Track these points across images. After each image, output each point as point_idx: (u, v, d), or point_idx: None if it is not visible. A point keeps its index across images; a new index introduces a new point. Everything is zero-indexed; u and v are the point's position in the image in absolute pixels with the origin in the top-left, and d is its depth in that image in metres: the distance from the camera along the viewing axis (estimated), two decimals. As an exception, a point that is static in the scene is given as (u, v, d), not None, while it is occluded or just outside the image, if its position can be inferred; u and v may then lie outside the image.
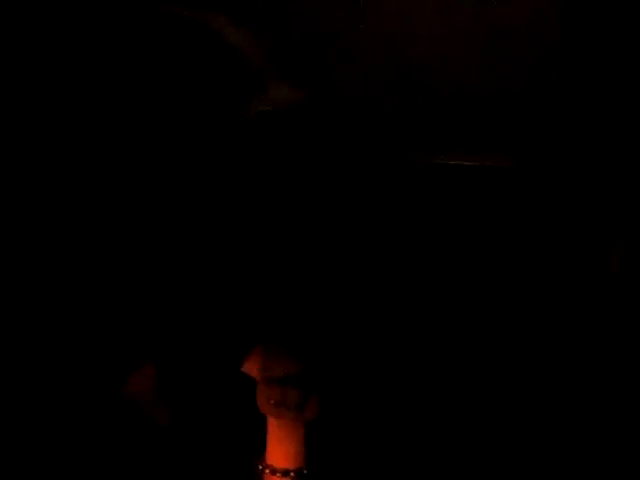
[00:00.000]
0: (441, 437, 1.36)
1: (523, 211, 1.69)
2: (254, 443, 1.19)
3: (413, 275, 1.53)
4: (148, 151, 1.12)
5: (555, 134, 1.79)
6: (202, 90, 1.13)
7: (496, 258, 1.63)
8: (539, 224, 1.67)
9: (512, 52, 1.82)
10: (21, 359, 1.27)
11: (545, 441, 1.39)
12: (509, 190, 1.72)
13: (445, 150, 1.77)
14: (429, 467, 1.33)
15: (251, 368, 1.12)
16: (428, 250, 1.57)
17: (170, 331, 1.18)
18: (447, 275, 1.58)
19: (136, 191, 1.13)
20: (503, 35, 1.83)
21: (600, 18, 1.76)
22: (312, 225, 1.30)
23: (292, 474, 1.11)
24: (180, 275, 1.14)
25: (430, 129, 1.80)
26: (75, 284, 1.25)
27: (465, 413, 1.38)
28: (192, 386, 1.25)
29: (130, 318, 1.19)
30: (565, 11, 1.80)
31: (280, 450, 1.12)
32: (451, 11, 1.78)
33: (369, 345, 1.39)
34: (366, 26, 1.80)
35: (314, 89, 1.32)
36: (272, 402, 1.08)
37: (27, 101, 1.26)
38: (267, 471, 1.12)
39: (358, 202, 1.52)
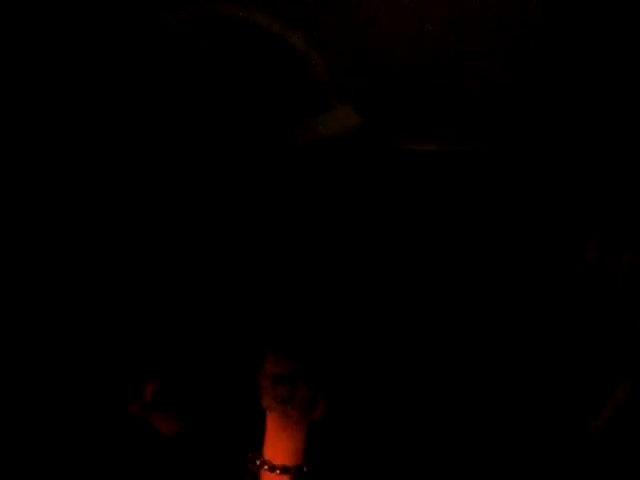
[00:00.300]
0: (441, 436, 1.36)
1: (500, 193, 1.72)
2: (245, 438, 1.17)
3: (408, 266, 1.52)
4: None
5: (530, 122, 1.83)
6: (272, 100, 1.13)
7: (475, 241, 1.65)
8: (515, 206, 1.70)
9: (487, 46, 1.85)
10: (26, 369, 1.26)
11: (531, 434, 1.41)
12: (488, 173, 1.76)
13: (431, 137, 1.78)
14: (428, 466, 1.33)
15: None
16: (421, 236, 1.57)
17: (174, 338, 1.16)
18: (436, 262, 1.59)
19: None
20: (479, 30, 1.85)
21: (578, 15, 1.79)
22: (312, 220, 1.28)
23: (292, 471, 1.09)
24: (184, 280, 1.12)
25: (416, 119, 1.82)
26: (77, 291, 1.22)
27: (463, 410, 1.39)
28: (194, 395, 1.23)
29: (133, 328, 1.17)
30: (543, 5, 1.83)
31: (280, 447, 1.10)
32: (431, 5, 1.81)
33: (368, 343, 1.38)
34: (350, 21, 1.81)
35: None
36: (279, 400, 1.05)
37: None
38: (265, 467, 1.09)
39: (351, 191, 1.50)
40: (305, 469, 1.10)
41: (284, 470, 1.09)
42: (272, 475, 1.09)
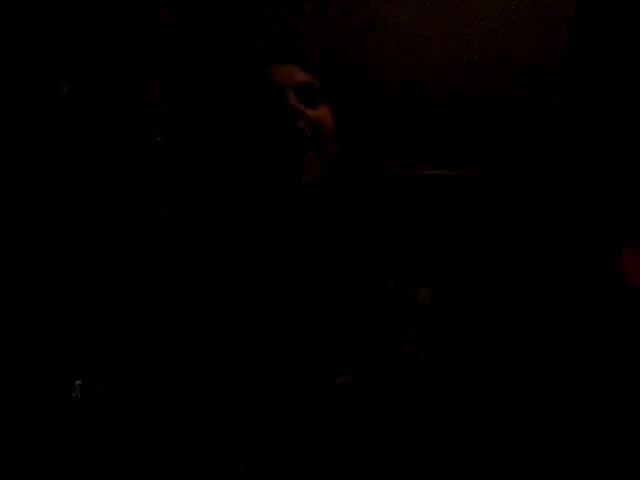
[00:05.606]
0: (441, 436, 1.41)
1: (480, 210, 1.83)
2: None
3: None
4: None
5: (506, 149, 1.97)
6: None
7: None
8: (492, 221, 1.81)
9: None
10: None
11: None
12: (470, 193, 1.86)
13: (418, 162, 1.91)
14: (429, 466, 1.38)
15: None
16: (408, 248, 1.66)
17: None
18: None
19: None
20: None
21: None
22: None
23: None
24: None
25: (405, 145, 1.95)
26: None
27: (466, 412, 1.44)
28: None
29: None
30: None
31: None
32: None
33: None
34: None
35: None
36: None
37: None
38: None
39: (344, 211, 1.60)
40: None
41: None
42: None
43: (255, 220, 1.50)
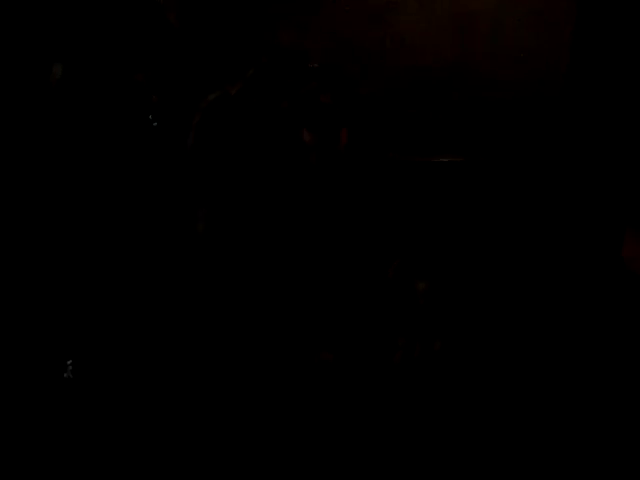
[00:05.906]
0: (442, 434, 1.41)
1: (480, 193, 1.85)
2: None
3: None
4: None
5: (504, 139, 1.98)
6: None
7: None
8: (492, 204, 1.83)
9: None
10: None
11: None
12: (474, 178, 1.88)
13: (426, 151, 1.92)
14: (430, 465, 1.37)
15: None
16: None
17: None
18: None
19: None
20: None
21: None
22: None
23: None
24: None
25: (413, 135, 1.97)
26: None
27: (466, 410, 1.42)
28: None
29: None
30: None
31: None
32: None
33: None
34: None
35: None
36: None
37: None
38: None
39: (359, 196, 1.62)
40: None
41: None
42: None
43: (258, 207, 1.53)
